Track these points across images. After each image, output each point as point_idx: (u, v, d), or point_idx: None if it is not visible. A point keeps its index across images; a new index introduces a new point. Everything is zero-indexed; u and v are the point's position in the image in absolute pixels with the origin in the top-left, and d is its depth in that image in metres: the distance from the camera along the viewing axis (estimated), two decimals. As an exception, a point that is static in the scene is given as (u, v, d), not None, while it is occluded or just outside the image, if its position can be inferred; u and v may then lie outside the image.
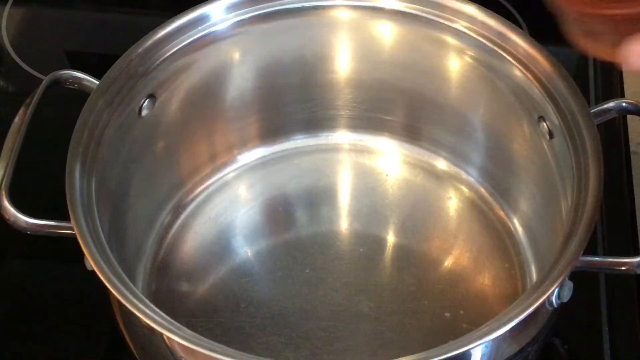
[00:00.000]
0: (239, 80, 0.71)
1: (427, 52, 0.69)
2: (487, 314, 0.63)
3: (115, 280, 0.51)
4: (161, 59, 0.64)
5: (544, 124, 0.62)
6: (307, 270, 0.67)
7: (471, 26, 0.65)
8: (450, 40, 0.66)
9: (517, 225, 0.69)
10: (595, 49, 0.50)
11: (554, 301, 0.53)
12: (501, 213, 0.70)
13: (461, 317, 0.64)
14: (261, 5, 0.67)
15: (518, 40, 0.63)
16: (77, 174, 0.57)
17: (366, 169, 0.75)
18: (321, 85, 0.73)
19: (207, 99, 0.69)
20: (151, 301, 0.52)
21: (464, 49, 0.66)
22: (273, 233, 0.70)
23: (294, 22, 0.68)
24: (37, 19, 0.91)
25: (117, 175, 0.63)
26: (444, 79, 0.70)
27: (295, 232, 0.70)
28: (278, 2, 0.67)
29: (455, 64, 0.69)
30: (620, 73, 0.80)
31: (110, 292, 0.51)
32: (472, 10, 0.65)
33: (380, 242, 0.69)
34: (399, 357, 0.48)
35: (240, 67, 0.70)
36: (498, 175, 0.71)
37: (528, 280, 0.66)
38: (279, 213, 0.72)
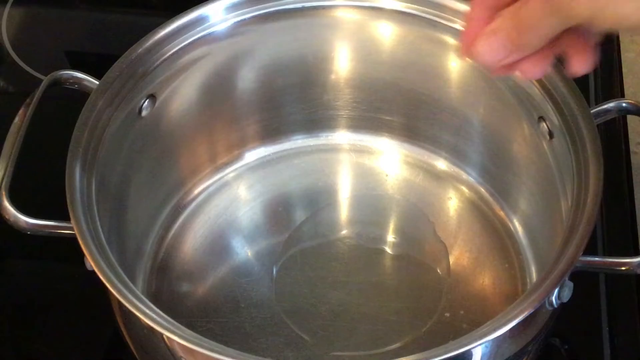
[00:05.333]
0: (239, 81, 0.71)
1: (427, 52, 0.69)
2: (487, 314, 0.63)
3: (115, 280, 0.51)
4: (161, 59, 0.64)
5: (544, 124, 0.62)
6: (307, 270, 0.67)
7: (471, 26, 0.65)
8: (450, 40, 0.66)
9: (517, 225, 0.69)
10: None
11: (554, 301, 0.53)
12: (501, 213, 0.70)
13: (461, 317, 0.64)
14: (261, 5, 0.67)
15: (518, 40, 0.63)
16: (77, 174, 0.57)
17: (366, 169, 0.75)
18: (321, 85, 0.73)
19: (207, 99, 0.69)
20: (151, 301, 0.52)
21: (464, 49, 0.66)
22: (273, 233, 0.70)
23: (294, 22, 0.68)
24: (37, 19, 0.91)
25: (117, 175, 0.63)
26: (444, 79, 0.70)
27: (295, 232, 0.70)
28: (278, 2, 0.67)
29: (455, 64, 0.69)
30: (620, 73, 0.80)
31: (110, 292, 0.51)
32: (472, 10, 0.65)
33: (380, 242, 0.69)
34: (399, 357, 0.48)
35: (240, 67, 0.70)
36: (498, 175, 0.71)
37: (528, 280, 0.66)
38: (279, 213, 0.72)
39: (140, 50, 0.63)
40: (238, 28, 0.67)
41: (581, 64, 0.45)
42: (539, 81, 0.62)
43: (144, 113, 0.64)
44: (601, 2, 0.39)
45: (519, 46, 0.44)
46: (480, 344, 0.49)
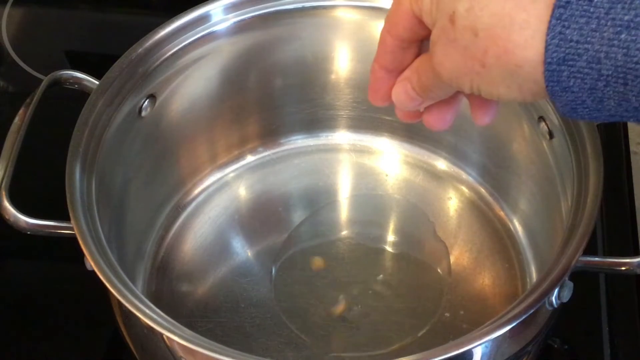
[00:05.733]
0: (239, 80, 0.71)
1: (427, 52, 0.69)
2: (487, 314, 0.63)
3: (115, 280, 0.51)
4: (161, 59, 0.64)
5: (544, 124, 0.62)
6: (307, 270, 0.67)
7: (471, 26, 0.65)
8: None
9: (517, 225, 0.69)
10: None
11: (554, 301, 0.53)
12: (501, 213, 0.70)
13: (461, 317, 0.64)
14: (261, 5, 0.67)
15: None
16: (77, 174, 0.57)
17: (366, 169, 0.75)
18: (321, 85, 0.73)
19: (207, 99, 0.69)
20: (151, 301, 0.52)
21: (464, 49, 0.66)
22: (273, 233, 0.70)
23: (294, 22, 0.68)
24: (37, 19, 0.91)
25: (117, 175, 0.63)
26: (444, 79, 0.70)
27: (294, 232, 0.70)
28: (278, 2, 0.67)
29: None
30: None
31: (110, 292, 0.51)
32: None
33: (380, 242, 0.69)
34: (399, 357, 0.48)
35: (240, 67, 0.70)
36: (498, 175, 0.71)
37: (528, 280, 0.66)
38: (278, 213, 0.72)
39: (140, 50, 0.63)
40: (238, 28, 0.67)
41: (482, 116, 0.48)
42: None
43: (144, 113, 0.64)
44: (477, 83, 0.41)
45: (425, 97, 0.47)
46: (480, 344, 0.49)
